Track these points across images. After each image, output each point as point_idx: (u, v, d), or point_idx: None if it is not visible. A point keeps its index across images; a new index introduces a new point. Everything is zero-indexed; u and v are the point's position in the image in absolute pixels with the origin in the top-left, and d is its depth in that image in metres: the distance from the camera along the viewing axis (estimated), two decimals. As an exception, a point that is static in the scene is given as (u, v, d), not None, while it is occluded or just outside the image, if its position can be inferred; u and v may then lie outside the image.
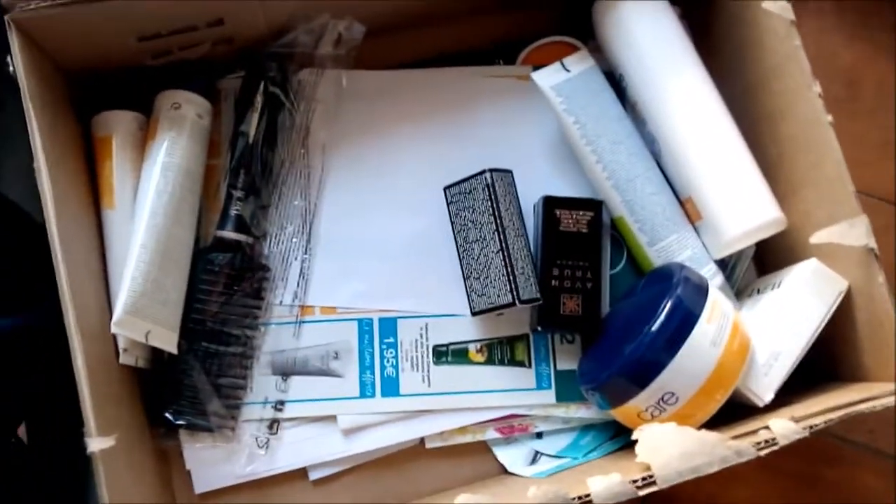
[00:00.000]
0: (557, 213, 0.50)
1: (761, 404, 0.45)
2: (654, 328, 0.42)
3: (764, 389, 0.45)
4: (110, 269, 0.48)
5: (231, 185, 0.50)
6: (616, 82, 0.53)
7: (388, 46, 0.54)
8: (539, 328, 0.49)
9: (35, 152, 0.42)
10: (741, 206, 0.48)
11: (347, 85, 0.53)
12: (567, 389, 0.51)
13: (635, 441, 0.49)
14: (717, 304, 0.44)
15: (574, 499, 0.39)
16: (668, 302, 0.42)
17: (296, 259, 0.52)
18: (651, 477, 0.39)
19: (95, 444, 0.39)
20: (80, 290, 0.42)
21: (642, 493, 0.39)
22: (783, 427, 0.40)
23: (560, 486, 0.39)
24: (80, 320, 0.41)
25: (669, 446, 0.40)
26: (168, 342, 0.47)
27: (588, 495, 0.39)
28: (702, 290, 0.44)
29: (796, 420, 0.41)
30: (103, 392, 0.41)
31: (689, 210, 0.51)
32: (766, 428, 0.41)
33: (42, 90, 0.44)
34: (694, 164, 0.50)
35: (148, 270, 0.46)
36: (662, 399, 0.42)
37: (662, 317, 0.42)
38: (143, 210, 0.47)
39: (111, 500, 0.39)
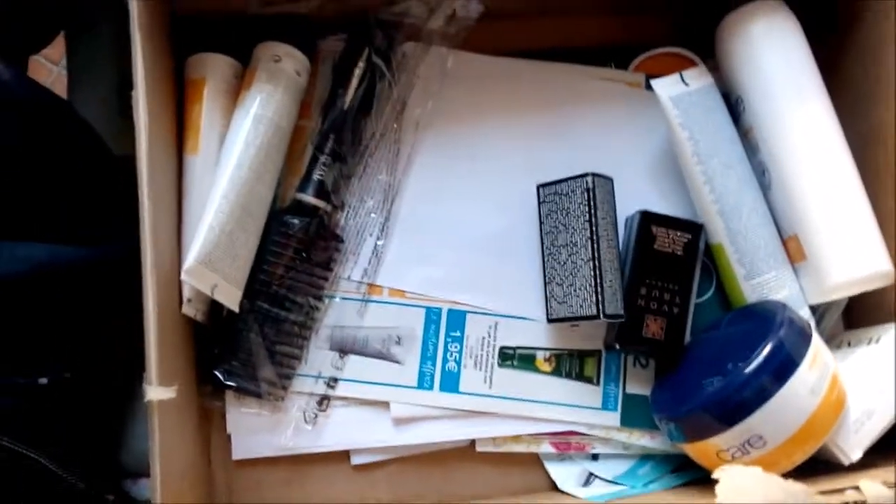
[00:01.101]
0: (654, 230, 0.47)
1: (847, 462, 0.42)
2: (751, 366, 0.39)
3: (852, 447, 0.42)
4: (185, 216, 0.46)
5: (318, 148, 0.48)
6: (731, 105, 0.50)
7: (499, 32, 0.52)
8: (617, 345, 0.47)
9: (136, 80, 0.40)
10: (851, 253, 0.45)
11: (453, 65, 0.51)
12: (633, 414, 0.48)
13: (706, 479, 0.46)
14: (820, 352, 0.41)
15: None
16: (770, 341, 0.40)
17: (371, 235, 0.50)
18: (730, 523, 0.37)
19: (155, 392, 0.37)
20: (158, 233, 0.40)
21: (717, 538, 0.37)
22: (875, 491, 0.38)
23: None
24: (156, 263, 0.39)
25: (753, 491, 0.37)
26: (232, 299, 0.45)
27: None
28: (805, 335, 0.41)
29: (889, 485, 0.38)
30: (167, 340, 0.40)
31: (791, 248, 0.48)
32: (856, 489, 0.38)
33: (149, 19, 0.42)
34: (806, 200, 0.47)
35: (225, 222, 0.44)
36: (749, 441, 0.40)
37: (763, 356, 0.39)
38: (229, 160, 0.45)
39: (162, 453, 0.37)
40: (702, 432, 0.41)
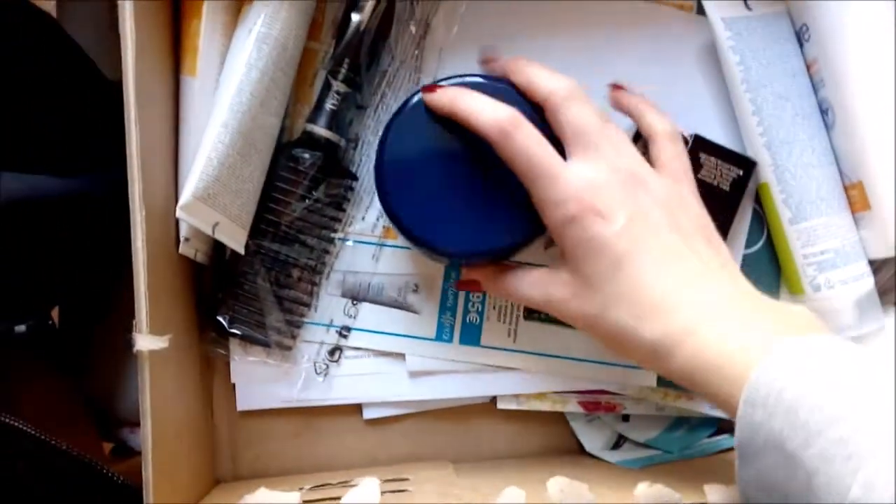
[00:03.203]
0: (702, 157, 0.42)
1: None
2: None
3: None
4: (182, 146, 0.42)
5: (332, 73, 0.43)
6: (795, 32, 0.45)
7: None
8: None
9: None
10: (923, 205, 0.41)
11: (482, -17, 0.45)
12: (670, 374, 0.44)
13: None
14: None
15: (688, 506, 0.33)
16: None
17: (387, 172, 0.45)
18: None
19: (145, 342, 0.33)
20: (149, 162, 0.36)
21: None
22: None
23: (671, 488, 0.33)
24: (146, 196, 0.35)
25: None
26: (236, 239, 0.41)
27: (704, 504, 0.33)
28: None
29: None
30: (159, 284, 0.36)
31: (853, 196, 0.43)
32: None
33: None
34: (874, 144, 0.42)
35: (226, 154, 0.39)
36: None
37: None
38: (228, 84, 0.40)
39: (153, 405, 0.33)
40: None
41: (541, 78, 0.36)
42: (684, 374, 0.31)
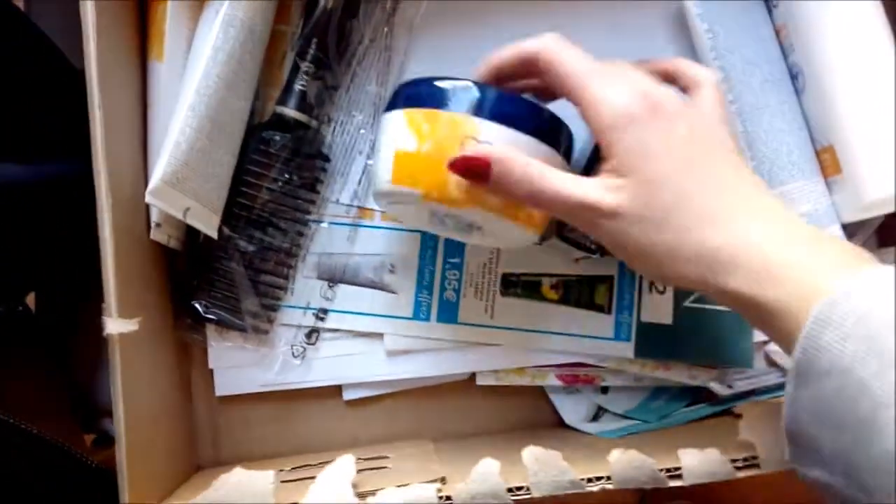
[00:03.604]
0: None
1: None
2: None
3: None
4: (151, 132, 0.41)
5: (300, 54, 0.43)
6: (766, 1, 0.45)
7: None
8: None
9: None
10: (892, 168, 0.41)
11: (449, -42, 0.45)
12: (648, 345, 0.44)
13: (724, 413, 0.43)
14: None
15: (662, 470, 0.33)
16: None
17: (360, 153, 0.45)
18: (755, 459, 0.33)
19: (114, 325, 0.33)
20: (115, 148, 0.36)
21: (741, 475, 0.34)
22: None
23: (646, 455, 0.33)
24: (113, 182, 0.35)
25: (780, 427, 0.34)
26: (208, 224, 0.41)
27: (678, 469, 0.33)
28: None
29: None
30: (129, 269, 0.36)
31: (824, 160, 0.44)
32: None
33: None
34: (843, 108, 0.42)
35: (195, 138, 0.39)
36: None
37: None
38: (195, 68, 0.40)
39: (125, 390, 0.34)
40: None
41: (521, 46, 0.35)
42: (742, 288, 0.29)
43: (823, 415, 0.26)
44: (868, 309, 0.26)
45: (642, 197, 0.31)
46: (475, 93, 0.34)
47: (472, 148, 0.33)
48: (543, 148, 0.34)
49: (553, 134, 0.35)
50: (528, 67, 0.35)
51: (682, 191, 0.31)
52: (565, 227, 0.42)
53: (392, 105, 0.36)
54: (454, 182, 0.33)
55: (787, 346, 0.28)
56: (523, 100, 0.35)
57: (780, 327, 0.29)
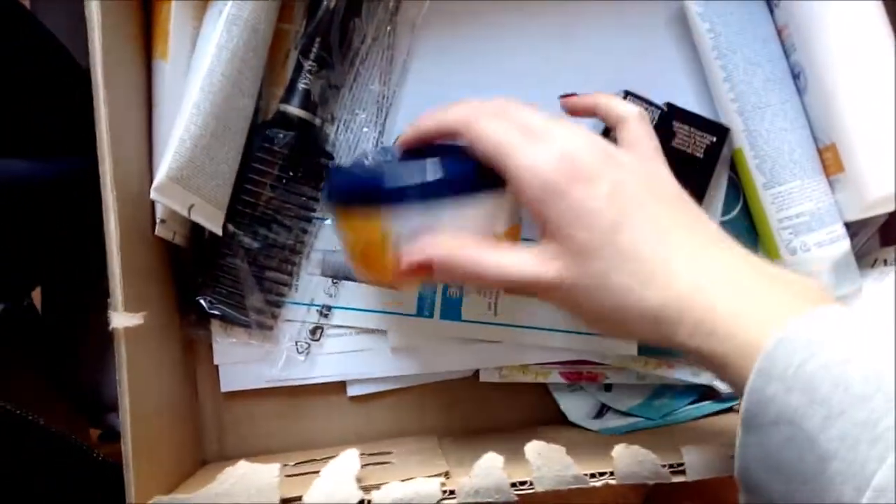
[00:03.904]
0: (675, 125, 0.43)
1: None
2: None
3: None
4: (156, 130, 0.42)
5: (303, 53, 0.43)
6: (767, 1, 0.45)
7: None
8: None
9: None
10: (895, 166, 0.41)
11: (452, -43, 0.45)
12: (650, 342, 0.44)
13: (727, 411, 0.43)
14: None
15: (665, 466, 0.33)
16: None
17: (363, 152, 0.46)
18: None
19: (120, 319, 0.33)
20: (120, 145, 0.36)
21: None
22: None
23: (649, 450, 0.33)
24: (118, 179, 0.35)
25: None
26: (213, 220, 0.41)
27: (681, 464, 0.33)
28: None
29: None
30: (134, 264, 0.36)
31: (827, 159, 0.44)
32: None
33: None
34: (845, 106, 0.42)
35: (199, 135, 0.39)
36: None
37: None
38: (200, 66, 0.40)
39: (131, 384, 0.34)
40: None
41: (443, 119, 0.35)
42: (691, 343, 0.29)
43: (773, 464, 0.26)
44: (804, 357, 0.25)
45: (578, 266, 0.31)
46: (383, 181, 0.33)
47: (405, 258, 0.33)
48: (469, 202, 0.33)
49: (481, 179, 0.33)
50: (454, 136, 0.35)
51: (615, 253, 0.30)
52: None
53: (327, 195, 0.37)
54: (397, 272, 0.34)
55: (739, 395, 0.28)
56: (436, 164, 0.33)
57: (730, 378, 0.29)
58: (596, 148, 0.32)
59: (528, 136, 0.32)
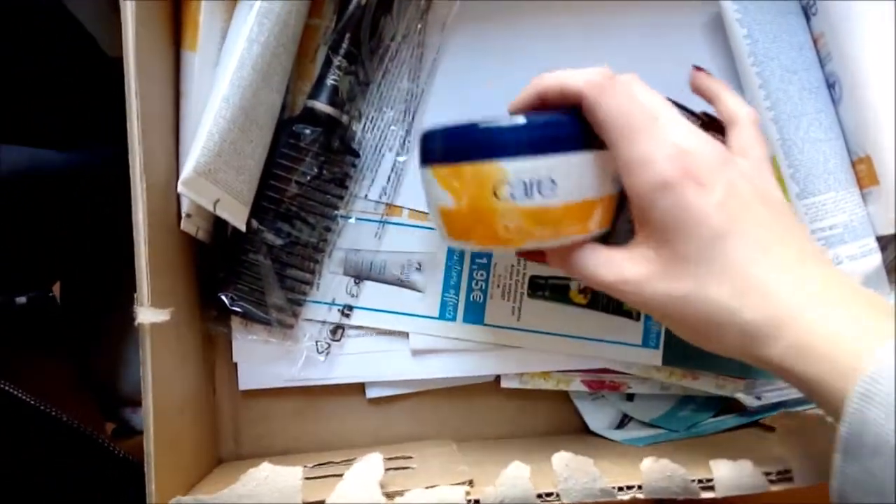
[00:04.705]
0: (710, 134, 0.42)
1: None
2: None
3: None
4: (183, 122, 0.41)
5: (332, 49, 0.43)
6: (802, 7, 0.44)
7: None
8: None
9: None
10: (933, 179, 0.40)
11: (485, -45, 0.45)
12: (676, 352, 0.44)
13: (755, 425, 0.43)
14: None
15: (693, 481, 0.33)
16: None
17: (390, 150, 0.45)
18: (788, 472, 0.33)
19: (147, 315, 0.33)
20: (150, 136, 0.35)
21: (775, 488, 0.33)
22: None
23: (678, 464, 0.33)
24: (147, 171, 0.35)
25: (815, 440, 0.33)
26: (238, 216, 0.40)
27: (710, 480, 0.33)
28: None
29: None
30: (161, 258, 0.35)
31: (860, 171, 0.43)
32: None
33: None
34: (882, 117, 0.41)
35: (227, 129, 0.39)
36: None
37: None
38: (230, 59, 0.40)
39: (155, 380, 0.33)
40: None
41: (566, 81, 0.34)
42: (785, 361, 0.28)
43: (871, 491, 0.26)
44: None
45: (675, 273, 0.30)
46: (490, 135, 0.33)
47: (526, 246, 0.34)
48: (577, 157, 0.33)
49: (581, 136, 0.33)
50: (570, 101, 0.34)
51: (716, 265, 0.30)
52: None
53: (421, 159, 0.35)
54: (503, 228, 0.33)
55: (833, 416, 0.27)
56: (541, 123, 0.33)
57: (824, 400, 0.28)
58: (715, 150, 0.31)
59: (650, 124, 0.31)
